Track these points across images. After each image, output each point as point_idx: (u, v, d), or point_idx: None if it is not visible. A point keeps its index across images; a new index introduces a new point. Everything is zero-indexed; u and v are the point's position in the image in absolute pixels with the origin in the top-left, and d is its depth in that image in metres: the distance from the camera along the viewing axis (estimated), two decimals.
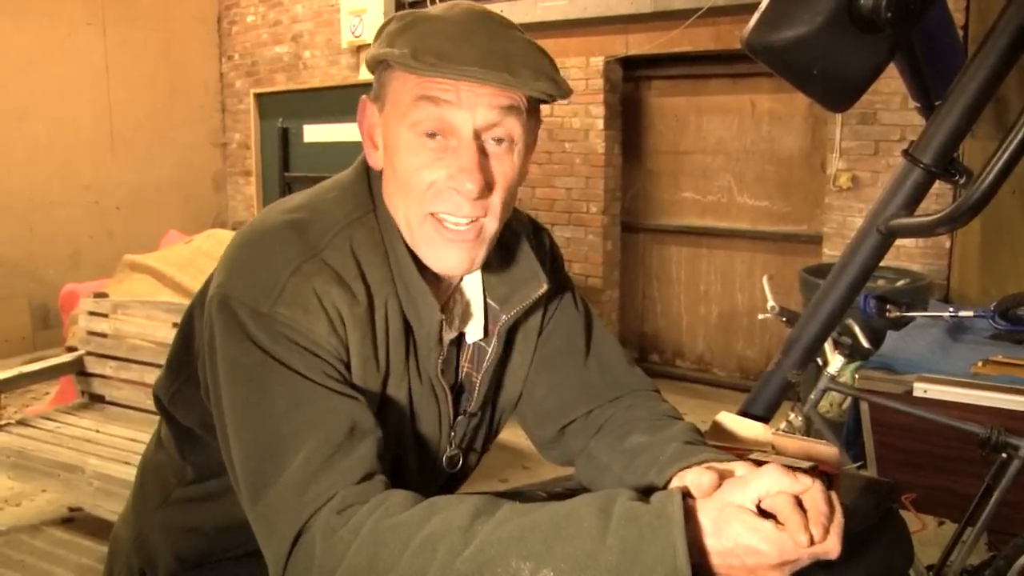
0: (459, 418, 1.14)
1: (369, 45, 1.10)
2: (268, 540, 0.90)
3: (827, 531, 0.79)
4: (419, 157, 0.97)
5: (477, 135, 0.96)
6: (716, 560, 0.78)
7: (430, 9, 1.00)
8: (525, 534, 0.79)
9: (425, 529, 0.82)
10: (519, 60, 0.94)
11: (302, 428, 0.91)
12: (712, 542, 0.78)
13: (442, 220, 0.99)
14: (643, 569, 0.74)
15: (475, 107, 0.95)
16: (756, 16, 1.09)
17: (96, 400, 3.58)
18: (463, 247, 1.00)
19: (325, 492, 0.88)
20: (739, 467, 0.88)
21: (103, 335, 3.51)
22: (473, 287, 1.13)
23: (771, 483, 0.79)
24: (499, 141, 0.98)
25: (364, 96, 1.05)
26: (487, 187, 0.98)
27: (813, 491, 0.80)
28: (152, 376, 3.31)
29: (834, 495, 0.82)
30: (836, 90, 1.13)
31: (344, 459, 0.90)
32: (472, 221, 0.99)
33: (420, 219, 1.00)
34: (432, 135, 0.96)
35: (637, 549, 0.75)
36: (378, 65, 1.01)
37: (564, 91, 0.97)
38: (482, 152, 0.97)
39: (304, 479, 0.88)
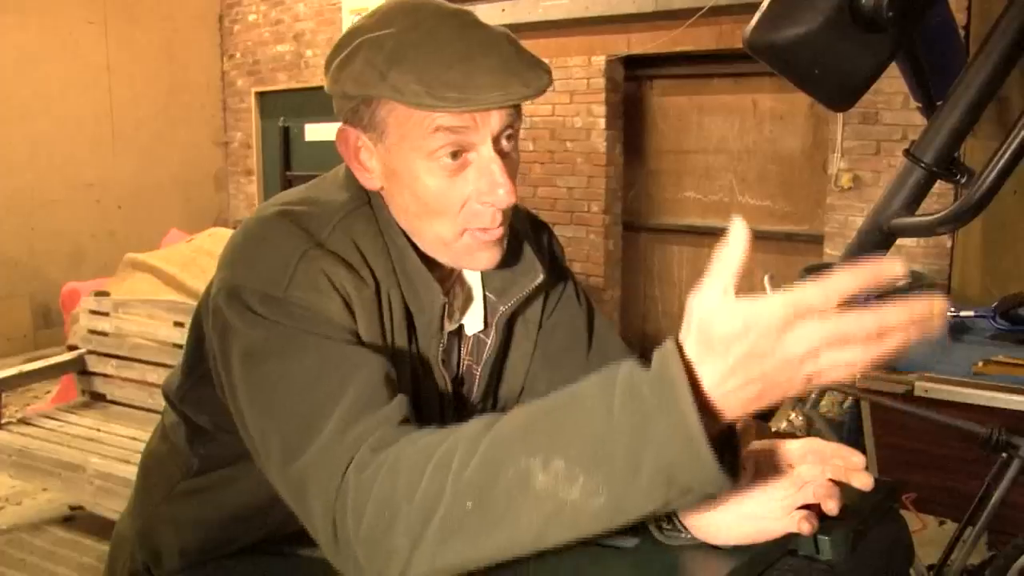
0: (461, 410, 1.15)
1: None
2: (313, 496, 0.87)
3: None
4: (442, 180, 0.98)
5: (495, 142, 0.97)
6: (716, 379, 0.69)
7: (395, 26, 0.96)
8: (529, 429, 0.76)
9: (441, 448, 0.80)
10: (520, 63, 0.95)
11: (336, 387, 0.90)
12: (706, 366, 0.69)
13: (476, 230, 1.01)
14: (657, 445, 0.68)
15: (489, 120, 0.96)
16: (758, 15, 1.09)
17: (97, 399, 3.58)
18: (496, 246, 1.03)
19: (363, 434, 0.86)
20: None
21: (104, 334, 3.52)
22: (472, 279, 1.14)
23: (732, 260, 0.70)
24: (508, 138, 1.00)
25: (344, 126, 1.03)
26: None
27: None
28: (154, 375, 3.33)
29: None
30: (838, 89, 1.13)
31: (382, 406, 0.89)
32: (501, 222, 1.01)
33: (455, 235, 1.01)
34: (454, 155, 0.97)
35: (645, 425, 0.69)
36: (359, 96, 0.98)
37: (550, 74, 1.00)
38: (500, 154, 0.98)
39: (345, 425, 0.87)
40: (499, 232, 1.02)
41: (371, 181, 1.04)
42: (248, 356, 0.95)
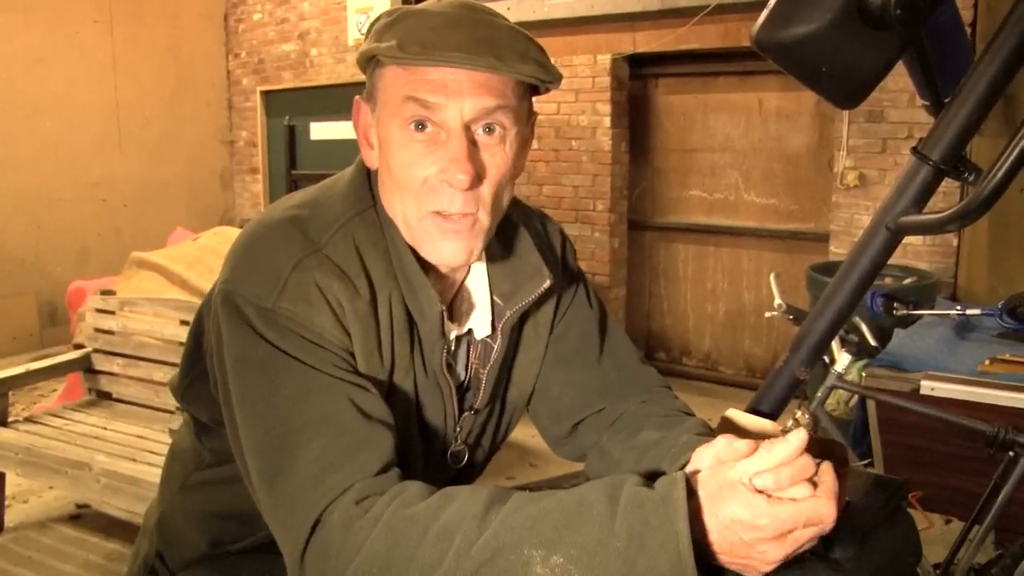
0: (465, 414, 1.14)
1: None
2: (285, 529, 0.90)
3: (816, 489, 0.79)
4: (411, 153, 0.98)
5: (467, 127, 0.97)
6: (716, 536, 0.79)
7: (420, 5, 1.00)
8: (536, 522, 0.80)
9: (441, 519, 0.83)
10: (504, 45, 0.94)
11: (316, 418, 0.92)
12: (710, 520, 0.79)
13: (440, 215, 1.00)
14: (649, 554, 0.76)
15: (462, 100, 0.95)
16: (765, 13, 1.09)
17: (103, 397, 3.59)
18: (459, 238, 1.01)
19: (343, 482, 0.89)
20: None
21: (110, 332, 3.53)
22: (479, 283, 1.13)
23: (765, 458, 0.80)
24: (489, 131, 0.98)
25: (358, 97, 1.06)
26: (478, 178, 0.98)
27: (804, 458, 0.81)
28: (160, 373, 3.34)
29: (832, 467, 0.83)
30: (845, 87, 1.12)
31: (361, 450, 0.91)
32: (464, 215, 0.99)
33: (419, 217, 1.00)
34: (422, 126, 0.97)
35: (643, 535, 0.77)
36: (368, 63, 1.01)
37: (553, 75, 0.97)
38: (472, 143, 0.97)
39: (322, 469, 0.89)
40: (464, 224, 1.00)
41: (371, 158, 1.05)
42: (236, 366, 0.96)
